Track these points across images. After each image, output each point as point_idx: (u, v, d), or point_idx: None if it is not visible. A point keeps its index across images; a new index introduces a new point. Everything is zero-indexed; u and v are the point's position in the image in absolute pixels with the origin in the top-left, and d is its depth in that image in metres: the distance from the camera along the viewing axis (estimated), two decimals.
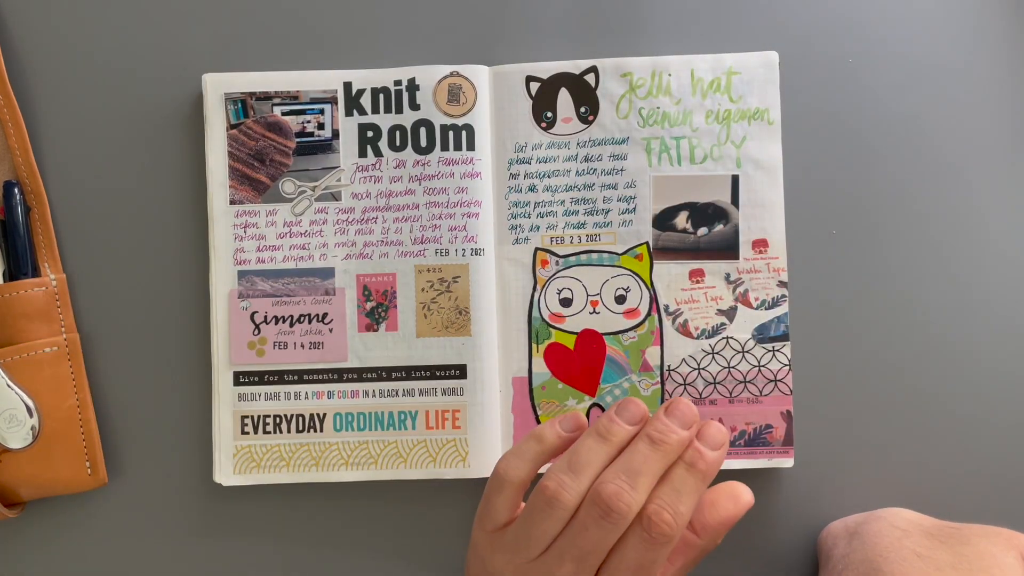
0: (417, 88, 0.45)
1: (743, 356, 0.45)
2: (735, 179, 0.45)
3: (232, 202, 0.45)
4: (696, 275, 0.45)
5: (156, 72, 0.46)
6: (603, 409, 0.45)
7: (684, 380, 0.45)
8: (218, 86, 0.45)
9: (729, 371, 0.45)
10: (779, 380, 0.45)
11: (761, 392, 0.45)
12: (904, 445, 0.46)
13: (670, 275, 0.45)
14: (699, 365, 0.45)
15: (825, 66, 0.47)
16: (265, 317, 0.45)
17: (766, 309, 0.45)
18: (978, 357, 0.46)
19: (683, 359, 0.45)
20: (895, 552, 0.38)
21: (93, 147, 0.47)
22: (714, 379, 0.45)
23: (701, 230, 0.46)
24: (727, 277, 0.45)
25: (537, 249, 0.46)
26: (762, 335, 0.45)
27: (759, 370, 0.45)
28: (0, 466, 0.44)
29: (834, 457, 0.46)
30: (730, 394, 0.45)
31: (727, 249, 0.46)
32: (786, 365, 0.45)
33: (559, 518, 0.35)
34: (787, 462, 0.45)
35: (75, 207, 0.47)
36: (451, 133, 0.45)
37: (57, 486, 0.45)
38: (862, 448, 0.46)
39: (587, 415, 0.45)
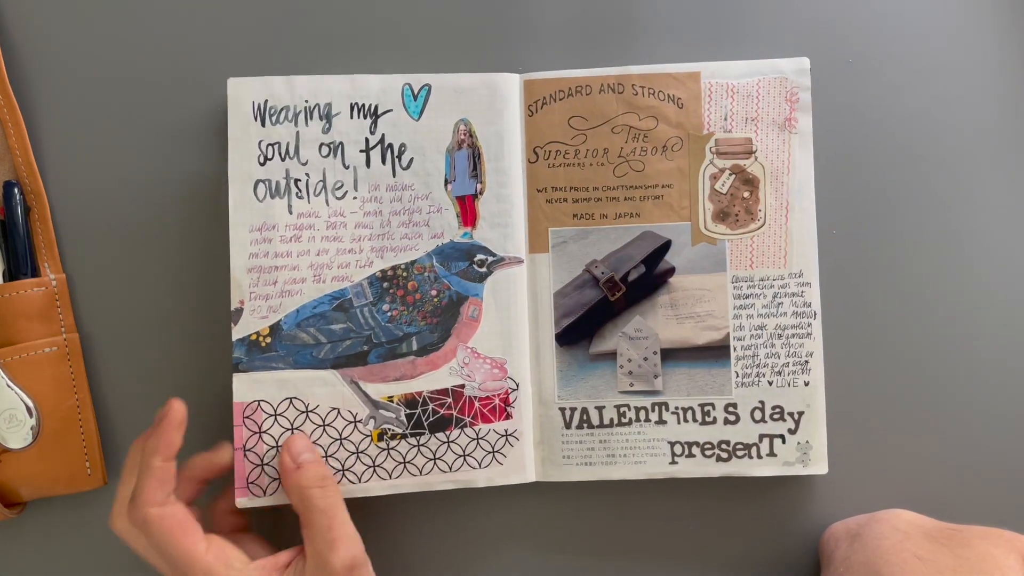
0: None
1: None
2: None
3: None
4: None
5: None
6: None
7: None
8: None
9: None
10: None
11: None
12: (908, 446, 0.46)
13: None
14: None
15: (831, 68, 0.47)
16: None
17: None
18: (985, 357, 0.46)
19: None
20: (895, 555, 0.38)
21: (93, 147, 0.46)
22: None
23: None
24: None
25: None
26: None
27: None
28: (0, 466, 0.44)
29: (838, 458, 0.45)
30: None
31: None
32: None
33: None
34: None
35: (75, 207, 0.46)
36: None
37: (57, 486, 0.45)
38: (865, 449, 0.46)
39: None
